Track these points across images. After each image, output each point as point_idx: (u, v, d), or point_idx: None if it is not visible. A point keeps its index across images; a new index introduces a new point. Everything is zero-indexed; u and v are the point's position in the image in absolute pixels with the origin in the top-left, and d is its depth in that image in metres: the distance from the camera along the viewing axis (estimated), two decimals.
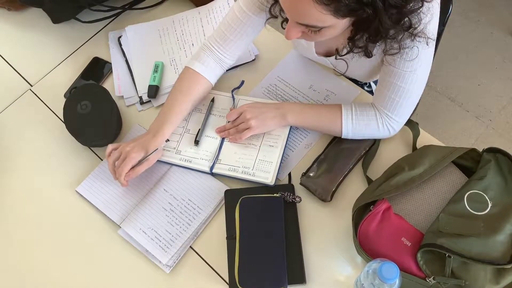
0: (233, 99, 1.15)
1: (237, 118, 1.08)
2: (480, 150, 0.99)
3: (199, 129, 1.11)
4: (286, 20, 0.93)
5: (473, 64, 2.18)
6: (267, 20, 1.02)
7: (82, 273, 1.02)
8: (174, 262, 1.00)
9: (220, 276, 0.99)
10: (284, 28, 0.97)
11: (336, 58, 1.06)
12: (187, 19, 1.30)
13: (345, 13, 0.75)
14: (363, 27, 0.83)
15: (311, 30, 0.83)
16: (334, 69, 1.18)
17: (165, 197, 1.06)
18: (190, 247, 1.02)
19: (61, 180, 1.11)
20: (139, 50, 1.25)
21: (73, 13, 1.31)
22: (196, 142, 1.09)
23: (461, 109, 2.08)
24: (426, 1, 0.81)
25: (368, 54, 0.93)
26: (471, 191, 0.92)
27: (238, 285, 0.94)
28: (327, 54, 1.13)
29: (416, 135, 1.08)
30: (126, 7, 1.33)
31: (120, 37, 1.28)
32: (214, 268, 1.00)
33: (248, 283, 0.94)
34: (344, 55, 0.97)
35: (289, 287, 0.96)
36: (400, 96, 0.97)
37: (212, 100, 1.16)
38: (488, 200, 0.91)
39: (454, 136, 2.02)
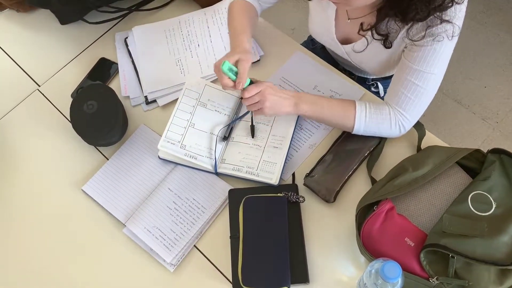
0: (240, 103, 1.15)
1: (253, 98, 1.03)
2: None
3: (229, 125, 1.12)
4: None
5: (480, 66, 2.17)
6: None
7: (87, 271, 1.03)
8: (178, 261, 1.01)
9: (224, 275, 1.00)
10: None
11: (358, 32, 1.06)
12: (193, 20, 1.31)
13: None
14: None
15: None
16: (346, 58, 1.19)
17: (170, 196, 1.07)
18: (194, 246, 1.03)
19: (67, 179, 1.12)
20: (145, 51, 1.26)
21: (80, 14, 1.32)
22: (225, 138, 1.11)
23: (468, 111, 2.07)
24: (456, 3, 0.83)
25: (388, 44, 0.93)
26: (475, 192, 0.92)
27: (242, 284, 0.95)
28: (344, 42, 1.14)
29: (421, 136, 1.07)
30: (133, 8, 1.34)
31: (126, 38, 1.29)
32: (217, 267, 1.01)
33: (251, 282, 0.95)
34: (367, 29, 0.97)
35: (292, 287, 0.96)
36: (416, 96, 0.97)
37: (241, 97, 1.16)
38: (492, 201, 0.91)
39: (460, 138, 2.01)
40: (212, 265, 1.01)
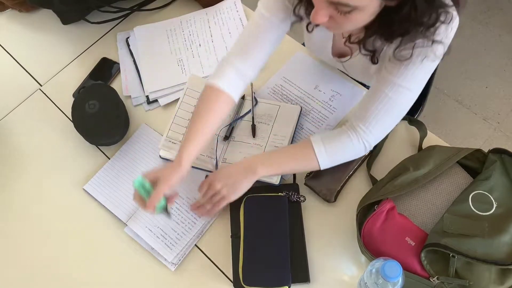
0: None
1: (207, 189, 0.98)
2: None
3: (230, 125, 1.12)
4: (310, 23, 0.91)
5: (481, 67, 2.17)
6: (292, 24, 0.97)
7: (88, 270, 1.03)
8: (179, 260, 1.01)
9: (225, 274, 1.00)
10: (309, 31, 0.95)
11: (344, 44, 1.00)
12: (195, 20, 1.32)
13: None
14: (389, 16, 0.80)
15: (340, 11, 0.78)
16: (342, 72, 1.18)
17: None
18: (195, 245, 1.03)
19: (68, 178, 1.13)
20: (146, 51, 1.27)
21: (82, 14, 1.33)
22: (226, 138, 1.11)
23: (469, 112, 2.07)
24: (443, 22, 0.79)
25: (374, 60, 0.90)
26: (476, 192, 0.92)
27: (242, 283, 0.95)
28: (339, 57, 1.11)
29: (423, 136, 1.07)
30: (135, 8, 1.34)
31: (128, 38, 1.30)
32: (218, 266, 1.01)
33: (252, 281, 0.95)
34: (355, 42, 0.93)
35: (293, 286, 0.96)
36: (386, 110, 0.91)
37: (243, 98, 1.17)
38: (493, 200, 0.91)
39: (462, 138, 2.01)
40: (213, 264, 1.01)
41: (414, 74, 0.88)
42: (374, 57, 0.92)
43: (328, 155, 0.96)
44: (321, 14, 0.80)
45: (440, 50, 0.85)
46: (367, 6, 0.77)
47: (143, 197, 0.92)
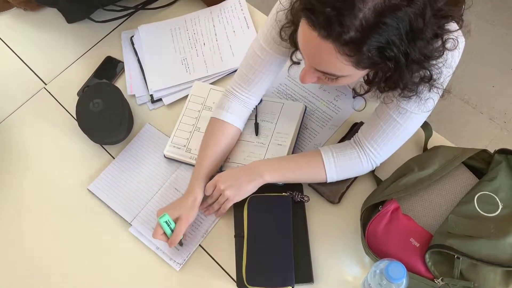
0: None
1: (214, 190, 1.01)
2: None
3: None
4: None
5: (487, 66, 2.15)
6: (289, 67, 0.98)
7: (93, 270, 1.03)
8: (184, 260, 1.01)
9: (228, 274, 1.00)
10: (293, 61, 0.95)
11: (353, 97, 1.05)
12: (199, 18, 1.31)
13: (366, 66, 0.72)
14: (382, 76, 0.80)
15: (328, 77, 0.79)
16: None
17: (176, 196, 1.07)
18: (199, 245, 1.03)
19: (73, 178, 1.13)
20: (151, 50, 1.27)
21: (87, 12, 1.33)
22: None
23: (475, 111, 2.06)
24: (448, 50, 0.78)
25: (382, 90, 0.90)
26: (482, 193, 0.91)
27: (246, 283, 0.95)
28: None
29: (428, 136, 1.06)
30: (139, 7, 1.34)
31: (132, 36, 1.29)
32: (222, 266, 1.01)
33: (255, 281, 0.95)
34: (362, 94, 0.94)
35: (296, 286, 0.96)
36: (395, 133, 0.93)
37: None
38: (499, 201, 0.90)
39: (467, 138, 2.00)
40: (217, 264, 1.01)
41: (421, 102, 0.87)
42: (381, 88, 0.91)
43: (336, 170, 0.99)
44: (309, 76, 0.81)
45: (446, 80, 0.85)
46: (354, 74, 0.77)
47: (167, 233, 0.98)
